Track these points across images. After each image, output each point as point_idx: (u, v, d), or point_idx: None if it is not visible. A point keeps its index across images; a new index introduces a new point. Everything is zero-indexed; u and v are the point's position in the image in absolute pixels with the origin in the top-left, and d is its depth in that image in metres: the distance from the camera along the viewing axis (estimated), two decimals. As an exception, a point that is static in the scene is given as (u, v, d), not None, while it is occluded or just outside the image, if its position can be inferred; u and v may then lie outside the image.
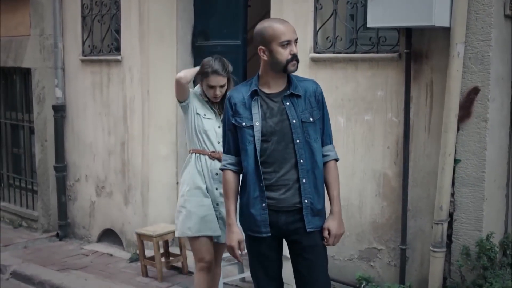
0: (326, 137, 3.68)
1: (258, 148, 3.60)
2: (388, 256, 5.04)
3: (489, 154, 4.48)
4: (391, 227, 5.00)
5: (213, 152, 4.56)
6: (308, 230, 3.61)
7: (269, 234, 3.65)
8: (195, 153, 4.60)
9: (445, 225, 4.60)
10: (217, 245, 4.71)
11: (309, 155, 3.59)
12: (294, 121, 3.57)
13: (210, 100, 4.61)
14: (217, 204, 4.59)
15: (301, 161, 3.57)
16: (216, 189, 4.57)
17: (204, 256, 4.59)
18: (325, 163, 3.68)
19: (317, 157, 3.61)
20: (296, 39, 3.58)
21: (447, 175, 4.54)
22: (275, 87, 3.63)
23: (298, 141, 3.57)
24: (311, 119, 3.59)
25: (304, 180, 3.58)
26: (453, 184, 4.59)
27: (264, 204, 3.62)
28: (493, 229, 4.57)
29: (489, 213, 4.56)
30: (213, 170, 4.55)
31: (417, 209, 4.85)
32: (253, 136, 3.62)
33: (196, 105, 4.60)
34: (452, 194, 4.61)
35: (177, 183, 6.67)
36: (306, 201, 3.59)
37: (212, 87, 4.50)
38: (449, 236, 4.66)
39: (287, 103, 3.58)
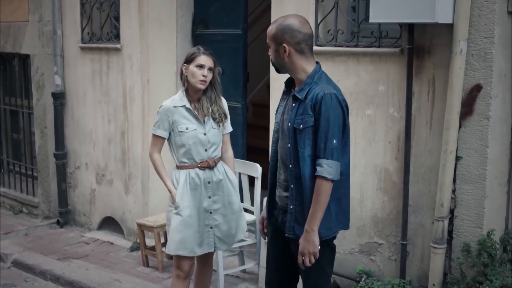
0: (318, 150, 3.43)
1: (273, 139, 3.72)
2: (388, 251, 5.04)
3: (490, 152, 4.46)
4: (392, 222, 5.00)
5: (202, 162, 4.46)
6: (286, 234, 3.58)
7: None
8: (183, 169, 4.48)
9: (446, 222, 4.60)
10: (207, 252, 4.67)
11: (297, 163, 3.50)
12: (289, 124, 3.53)
13: (193, 105, 4.47)
14: (210, 213, 4.51)
15: (290, 166, 3.53)
16: (209, 197, 4.49)
17: (182, 266, 4.57)
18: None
19: (303, 167, 3.47)
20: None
21: (449, 172, 4.53)
22: (297, 86, 3.61)
23: (289, 145, 3.53)
24: (301, 126, 3.46)
25: (292, 186, 3.54)
26: (454, 180, 4.58)
27: (269, 195, 3.79)
28: (494, 226, 4.57)
29: (490, 210, 4.55)
30: (206, 179, 4.48)
31: (418, 204, 4.84)
32: (274, 127, 3.73)
33: (177, 122, 4.42)
34: (453, 191, 4.59)
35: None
36: (291, 206, 3.55)
37: (201, 66, 4.38)
38: (450, 233, 4.66)
39: (293, 104, 3.54)
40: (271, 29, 3.56)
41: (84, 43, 7.39)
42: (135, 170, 6.92)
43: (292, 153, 3.51)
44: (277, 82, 5.63)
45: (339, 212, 3.58)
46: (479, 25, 4.39)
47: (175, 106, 4.44)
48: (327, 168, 3.40)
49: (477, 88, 4.44)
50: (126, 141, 6.98)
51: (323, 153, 3.41)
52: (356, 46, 5.09)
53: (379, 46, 4.96)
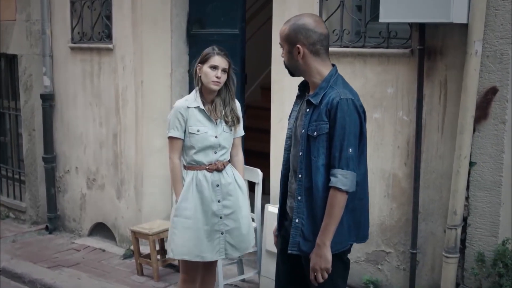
0: (332, 159, 3.19)
1: (285, 146, 3.49)
2: (397, 260, 4.85)
3: (506, 157, 4.27)
4: (401, 229, 4.81)
5: (210, 164, 4.36)
6: (289, 251, 3.35)
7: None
8: (191, 170, 4.37)
9: (459, 230, 4.41)
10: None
11: (308, 172, 3.25)
12: (303, 130, 3.29)
13: (206, 106, 4.37)
14: (220, 218, 4.39)
15: (300, 175, 3.30)
16: (219, 201, 4.37)
17: (189, 270, 4.46)
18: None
19: (316, 177, 3.23)
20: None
21: (462, 179, 4.34)
22: (312, 90, 3.37)
23: (301, 153, 3.30)
24: (315, 133, 3.22)
25: (299, 197, 3.30)
26: (467, 187, 4.40)
27: (280, 206, 3.55)
28: (509, 235, 4.38)
29: (505, 218, 4.37)
30: (214, 182, 4.36)
31: (429, 212, 4.66)
32: (287, 133, 3.50)
33: (189, 123, 4.32)
34: (467, 198, 4.41)
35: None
36: (297, 220, 3.31)
37: (215, 67, 4.29)
38: (463, 241, 4.48)
39: (307, 110, 3.30)
40: (284, 29, 3.34)
41: (74, 43, 7.16)
42: (128, 175, 6.68)
43: (303, 161, 3.28)
44: (278, 84, 5.44)
45: (352, 225, 3.35)
46: (494, 25, 4.21)
47: (188, 107, 4.34)
48: (342, 178, 3.17)
49: (493, 91, 4.26)
50: (119, 145, 6.75)
51: (338, 163, 3.18)
52: (363, 46, 4.89)
53: (387, 47, 4.77)
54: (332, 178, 3.18)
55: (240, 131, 4.54)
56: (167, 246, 4.51)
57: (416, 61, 4.58)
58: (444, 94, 4.50)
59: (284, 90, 5.38)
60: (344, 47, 4.98)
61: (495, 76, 4.24)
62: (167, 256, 6.08)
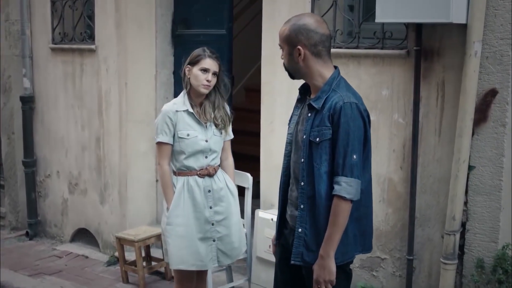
0: (336, 166, 3.04)
1: (286, 152, 3.34)
2: (392, 266, 4.73)
3: (506, 161, 4.17)
4: (396, 235, 4.69)
5: (201, 169, 4.22)
6: (292, 261, 3.20)
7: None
8: (182, 176, 4.23)
9: (458, 236, 4.30)
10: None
11: (310, 180, 3.11)
12: (305, 136, 3.14)
13: (195, 109, 4.24)
14: (212, 224, 4.26)
15: (302, 183, 3.15)
16: (210, 207, 4.24)
17: (182, 281, 4.36)
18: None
19: (319, 185, 3.08)
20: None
21: (461, 183, 4.22)
22: (313, 93, 3.22)
23: (302, 160, 3.15)
24: (317, 139, 3.07)
25: (302, 206, 3.15)
26: (466, 192, 4.28)
27: (279, 213, 3.43)
28: (509, 240, 4.27)
29: (505, 223, 4.26)
30: (206, 187, 4.23)
31: (426, 217, 4.54)
32: (287, 138, 3.35)
33: (179, 127, 4.18)
34: (465, 203, 4.30)
35: (157, 180, 6.29)
36: (300, 230, 3.16)
37: (205, 70, 4.14)
38: (461, 247, 4.36)
39: (309, 114, 3.15)
40: (283, 30, 3.18)
41: (55, 44, 6.97)
42: (111, 179, 6.50)
43: (305, 169, 3.13)
44: (268, 86, 5.31)
45: (358, 234, 3.22)
46: (494, 26, 4.09)
47: (177, 110, 4.19)
48: (346, 186, 3.03)
49: (492, 93, 4.15)
50: (102, 149, 6.56)
51: (341, 170, 3.04)
52: (356, 47, 4.76)
53: (382, 48, 4.65)
54: (336, 186, 3.04)
55: (230, 134, 4.42)
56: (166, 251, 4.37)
57: (412, 62, 4.46)
58: (441, 96, 4.38)
59: (274, 92, 5.24)
60: (337, 47, 4.83)
61: (494, 77, 4.13)
62: (153, 263, 5.93)
